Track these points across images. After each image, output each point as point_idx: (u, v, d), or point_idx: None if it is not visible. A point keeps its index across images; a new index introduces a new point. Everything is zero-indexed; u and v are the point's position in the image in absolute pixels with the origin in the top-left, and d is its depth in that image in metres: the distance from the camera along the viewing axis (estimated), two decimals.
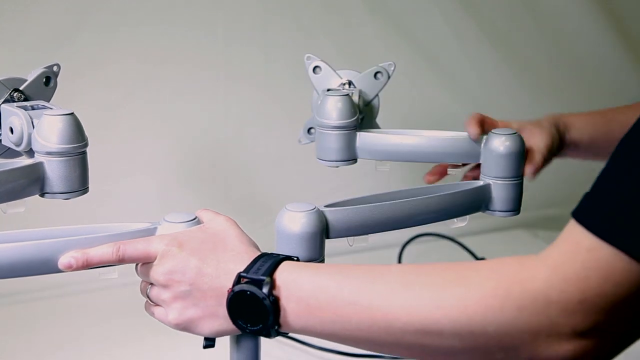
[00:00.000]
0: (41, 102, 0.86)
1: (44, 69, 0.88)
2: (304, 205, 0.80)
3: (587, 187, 0.62)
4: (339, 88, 1.09)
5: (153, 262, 0.72)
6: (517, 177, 1.00)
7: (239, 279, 0.68)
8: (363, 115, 1.06)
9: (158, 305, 0.74)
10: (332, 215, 0.82)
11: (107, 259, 0.72)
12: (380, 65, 1.08)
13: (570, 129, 1.10)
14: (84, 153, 0.81)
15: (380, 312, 0.63)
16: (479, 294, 0.59)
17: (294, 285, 0.67)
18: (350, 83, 1.09)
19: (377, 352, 0.70)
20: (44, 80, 0.88)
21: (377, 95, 1.09)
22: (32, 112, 0.81)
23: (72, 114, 0.80)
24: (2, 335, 1.28)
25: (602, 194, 0.58)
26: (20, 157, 0.83)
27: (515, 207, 1.02)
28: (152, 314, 0.75)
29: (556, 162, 1.92)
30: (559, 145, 1.09)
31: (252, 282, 0.67)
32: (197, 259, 0.70)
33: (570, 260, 0.57)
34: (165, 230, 0.74)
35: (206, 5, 1.57)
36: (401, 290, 0.63)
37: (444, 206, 0.94)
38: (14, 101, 0.85)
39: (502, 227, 1.76)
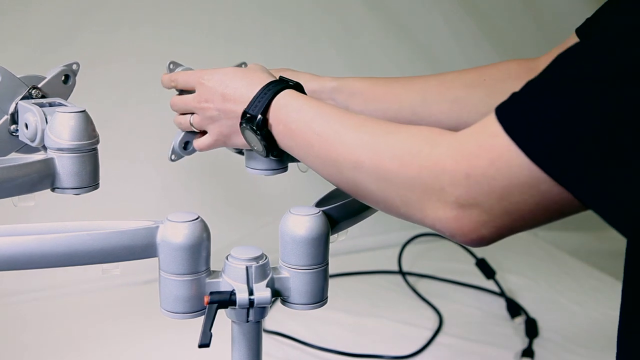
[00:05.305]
0: (58, 100, 0.86)
1: (63, 67, 0.89)
2: (309, 209, 0.78)
3: None
4: None
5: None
6: None
7: (244, 114, 0.79)
8: None
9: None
10: (334, 212, 0.81)
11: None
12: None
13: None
14: (95, 150, 0.82)
15: (331, 146, 0.72)
16: (398, 146, 0.67)
17: (284, 112, 0.78)
18: None
19: (333, 182, 0.76)
20: (63, 78, 0.89)
21: None
22: (46, 109, 0.82)
23: (83, 111, 0.80)
24: (2, 335, 1.28)
25: (524, 97, 0.62)
26: (36, 153, 0.83)
27: None
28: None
29: None
30: None
31: (250, 119, 0.79)
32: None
33: (473, 139, 0.62)
34: (168, 229, 0.75)
35: (207, 6, 1.57)
36: (351, 131, 0.71)
37: None
38: (32, 98, 0.86)
39: None
